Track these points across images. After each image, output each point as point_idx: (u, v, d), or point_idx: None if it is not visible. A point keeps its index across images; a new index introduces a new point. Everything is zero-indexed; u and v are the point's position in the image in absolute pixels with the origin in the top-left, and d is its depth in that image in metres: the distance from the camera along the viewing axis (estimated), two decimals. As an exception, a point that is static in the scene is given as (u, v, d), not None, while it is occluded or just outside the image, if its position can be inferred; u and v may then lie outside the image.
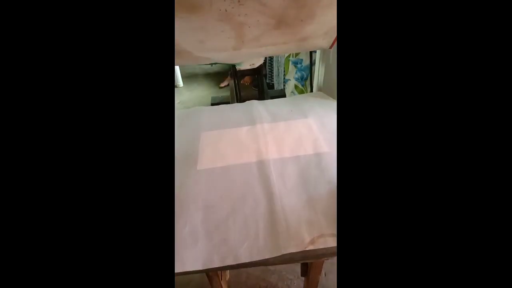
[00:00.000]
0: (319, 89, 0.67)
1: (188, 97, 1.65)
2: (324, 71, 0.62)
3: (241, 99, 0.75)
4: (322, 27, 0.49)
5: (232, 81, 0.72)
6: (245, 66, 0.58)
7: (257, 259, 0.32)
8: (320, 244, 0.33)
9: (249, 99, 0.78)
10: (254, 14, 0.41)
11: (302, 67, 0.90)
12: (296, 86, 0.94)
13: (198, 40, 0.47)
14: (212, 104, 0.80)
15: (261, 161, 0.44)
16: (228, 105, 0.63)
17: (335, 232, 0.34)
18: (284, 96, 0.82)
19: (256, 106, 0.59)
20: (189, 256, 0.33)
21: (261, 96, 0.76)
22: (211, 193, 0.40)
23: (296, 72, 0.93)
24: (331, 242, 0.33)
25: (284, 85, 1.00)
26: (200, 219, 0.37)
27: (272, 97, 0.80)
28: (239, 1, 0.38)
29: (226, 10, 0.39)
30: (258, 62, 0.58)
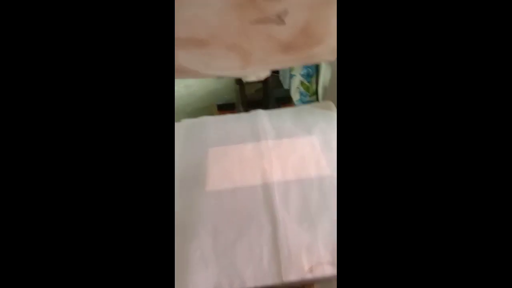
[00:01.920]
0: (325, 89, 0.67)
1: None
2: (331, 70, 0.62)
3: (246, 102, 0.76)
4: (329, 47, 0.48)
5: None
6: (251, 78, 0.59)
7: (261, 284, 0.36)
8: (318, 272, 0.36)
9: (254, 101, 0.78)
10: (262, 44, 0.40)
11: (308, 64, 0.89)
12: (302, 83, 0.94)
13: (203, 62, 0.47)
14: (218, 106, 0.81)
15: (266, 183, 0.47)
16: (234, 116, 0.64)
17: (334, 259, 0.37)
18: (289, 96, 0.82)
19: (261, 118, 0.60)
20: (201, 280, 0.37)
21: (266, 99, 0.77)
22: (219, 217, 0.43)
23: (302, 68, 0.92)
24: (330, 270, 0.37)
25: (289, 81, 0.99)
26: (210, 244, 0.40)
27: (278, 99, 0.81)
28: (247, 36, 0.38)
29: (234, 43, 0.39)
30: (264, 74, 0.58)
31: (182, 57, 0.42)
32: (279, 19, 0.33)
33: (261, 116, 0.61)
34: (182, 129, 0.60)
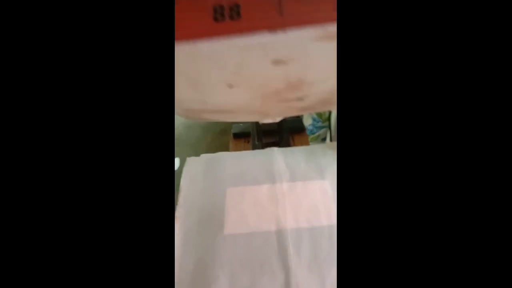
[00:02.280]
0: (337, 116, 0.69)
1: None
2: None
3: (261, 132, 0.79)
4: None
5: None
6: (268, 121, 0.62)
7: None
8: None
9: (268, 131, 0.81)
10: (281, 110, 0.44)
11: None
12: (314, 109, 0.96)
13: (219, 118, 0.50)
14: (234, 135, 0.85)
15: (280, 230, 0.50)
16: (249, 153, 0.67)
17: None
18: (302, 126, 0.85)
19: (276, 158, 0.63)
20: None
21: (280, 130, 0.80)
22: (235, 261, 0.47)
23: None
24: (335, 321, 0.41)
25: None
26: (227, 287, 0.44)
27: (290, 129, 0.84)
28: (267, 105, 0.41)
29: (255, 110, 0.42)
30: (280, 118, 0.61)
31: (205, 117, 0.45)
32: (299, 100, 0.36)
33: (276, 156, 0.64)
34: (201, 165, 0.64)
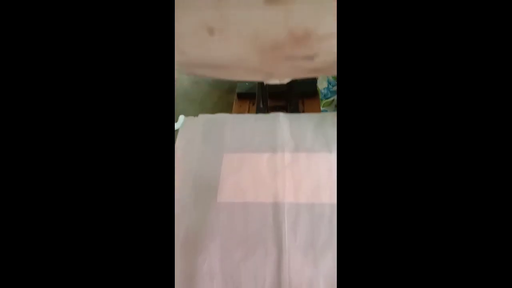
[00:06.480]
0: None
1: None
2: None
3: (267, 95, 0.72)
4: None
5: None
6: (274, 81, 0.54)
7: None
8: None
9: (276, 93, 0.74)
10: (287, 70, 0.37)
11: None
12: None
13: (220, 74, 0.44)
14: (238, 95, 0.78)
15: (277, 203, 0.46)
16: (252, 117, 0.61)
17: None
18: (315, 90, 0.76)
19: (280, 125, 0.57)
20: None
21: (289, 92, 0.72)
22: (228, 233, 0.44)
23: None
24: (327, 307, 0.38)
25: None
26: (218, 259, 0.42)
27: (301, 92, 0.76)
28: (270, 63, 0.34)
29: (255, 67, 0.35)
30: (288, 80, 0.54)
31: (199, 72, 0.39)
32: (308, 58, 0.29)
33: (281, 122, 0.58)
34: (202, 127, 0.59)
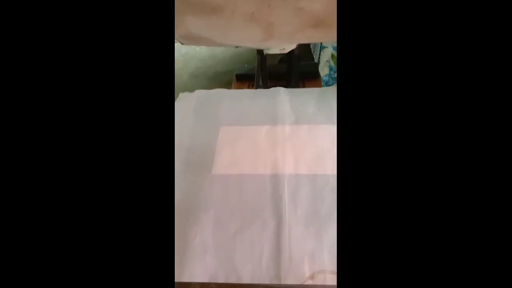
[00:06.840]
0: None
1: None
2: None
3: (267, 75, 0.69)
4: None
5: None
6: (274, 51, 0.52)
7: (258, 283, 0.35)
8: (319, 281, 0.34)
9: (276, 74, 0.71)
10: (288, 17, 0.34)
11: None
12: (333, 56, 0.84)
13: (219, 31, 0.41)
14: (237, 76, 0.75)
15: (276, 175, 0.43)
16: (251, 92, 0.59)
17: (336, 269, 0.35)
18: (316, 71, 0.74)
19: (280, 99, 0.54)
20: (198, 267, 0.35)
21: (289, 73, 0.69)
22: (222, 205, 0.40)
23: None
24: (331, 279, 0.34)
25: (319, 53, 0.89)
26: (210, 232, 0.38)
27: (302, 73, 0.73)
28: (269, 5, 0.31)
29: (253, 13, 0.33)
30: (289, 47, 0.51)
31: (192, 23, 0.36)
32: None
33: (281, 96, 0.55)
34: (195, 101, 0.56)
